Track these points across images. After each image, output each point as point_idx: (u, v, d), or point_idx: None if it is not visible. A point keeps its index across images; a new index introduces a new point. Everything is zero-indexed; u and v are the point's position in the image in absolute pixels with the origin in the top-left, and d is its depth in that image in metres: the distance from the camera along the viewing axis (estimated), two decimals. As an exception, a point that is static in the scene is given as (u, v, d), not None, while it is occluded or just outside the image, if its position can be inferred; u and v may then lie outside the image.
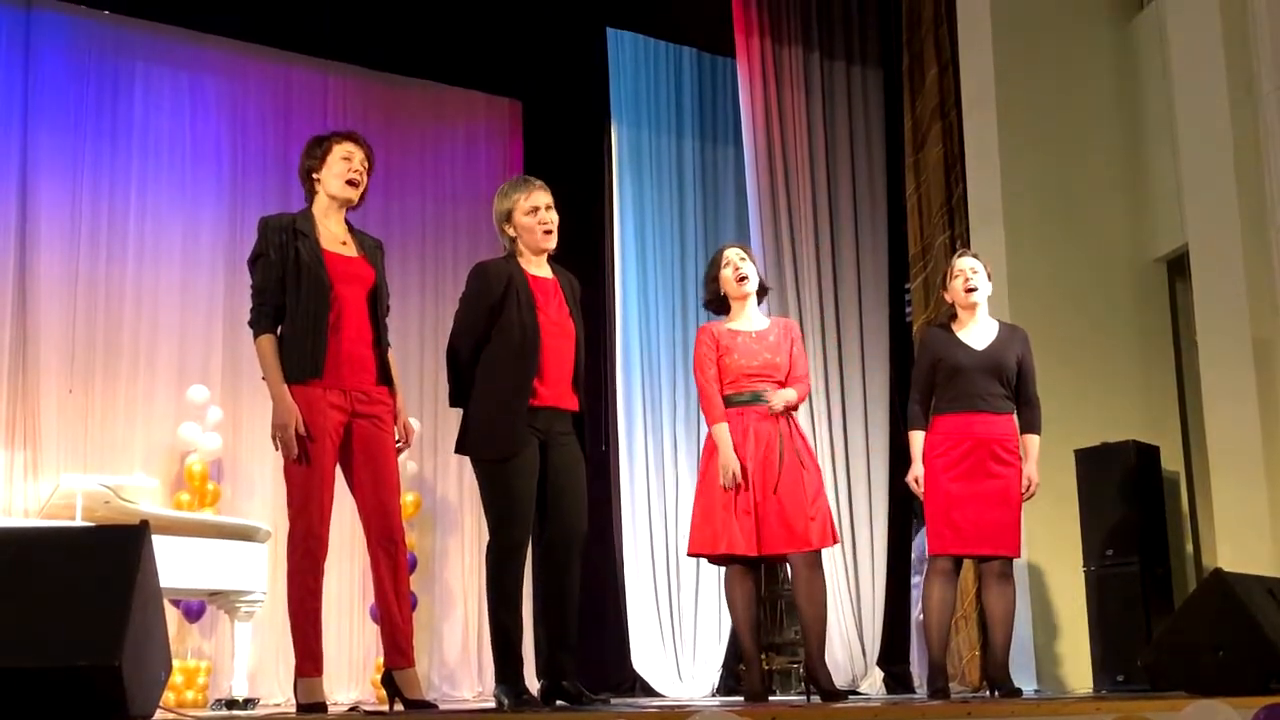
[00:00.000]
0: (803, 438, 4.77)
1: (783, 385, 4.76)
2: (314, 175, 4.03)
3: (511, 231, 4.24)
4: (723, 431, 4.64)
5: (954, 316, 5.15)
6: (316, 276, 3.86)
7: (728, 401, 4.71)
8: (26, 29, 7.59)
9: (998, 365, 4.99)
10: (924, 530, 5.31)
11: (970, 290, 5.04)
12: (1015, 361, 5.03)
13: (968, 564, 5.42)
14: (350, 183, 4.01)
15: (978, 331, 5.07)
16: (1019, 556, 5.04)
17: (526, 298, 4.13)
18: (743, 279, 4.79)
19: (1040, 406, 5.10)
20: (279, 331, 3.88)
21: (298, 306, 3.85)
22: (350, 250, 4.01)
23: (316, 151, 4.04)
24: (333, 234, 4.00)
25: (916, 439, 5.08)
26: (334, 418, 3.84)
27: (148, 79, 7.96)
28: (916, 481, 5.05)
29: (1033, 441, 5.06)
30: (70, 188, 7.62)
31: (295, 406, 3.78)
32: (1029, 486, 4.98)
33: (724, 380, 4.73)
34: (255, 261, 3.92)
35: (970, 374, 4.97)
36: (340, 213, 4.06)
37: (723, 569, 4.84)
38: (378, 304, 4.01)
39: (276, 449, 3.81)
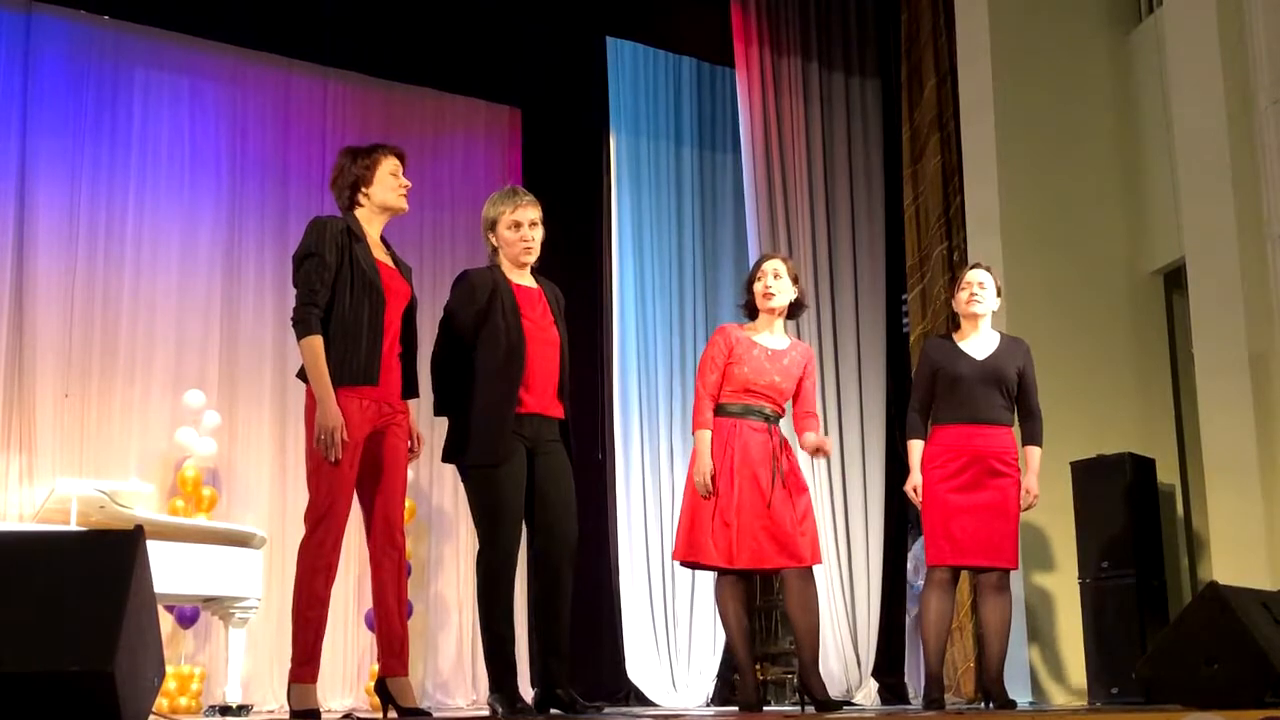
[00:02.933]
0: (792, 459, 4.76)
1: (780, 410, 4.77)
2: (363, 186, 4.00)
3: (494, 241, 4.25)
4: (703, 438, 4.66)
5: (957, 327, 5.17)
6: (373, 284, 3.86)
7: (723, 410, 4.70)
8: (26, 34, 7.58)
9: (998, 376, 4.99)
10: (919, 539, 5.30)
11: (970, 303, 5.05)
12: (1016, 373, 5.03)
13: (964, 575, 5.41)
14: (401, 195, 4.04)
15: (979, 342, 5.07)
16: (1016, 568, 5.04)
17: (511, 306, 4.13)
18: (767, 295, 4.79)
19: (1042, 419, 5.10)
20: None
21: (349, 311, 3.82)
22: (389, 262, 4.02)
23: (365, 161, 4.01)
24: (376, 242, 4.01)
25: (915, 448, 5.07)
26: (364, 429, 3.83)
27: (147, 85, 7.95)
28: (915, 491, 5.04)
29: (1034, 453, 5.06)
30: (68, 192, 7.60)
31: (340, 410, 3.76)
32: (1029, 498, 4.98)
33: (725, 386, 4.73)
34: (304, 260, 3.84)
35: (970, 384, 4.97)
36: (381, 225, 4.05)
37: (714, 578, 4.84)
38: (411, 318, 4.03)
39: (317, 448, 3.75)
